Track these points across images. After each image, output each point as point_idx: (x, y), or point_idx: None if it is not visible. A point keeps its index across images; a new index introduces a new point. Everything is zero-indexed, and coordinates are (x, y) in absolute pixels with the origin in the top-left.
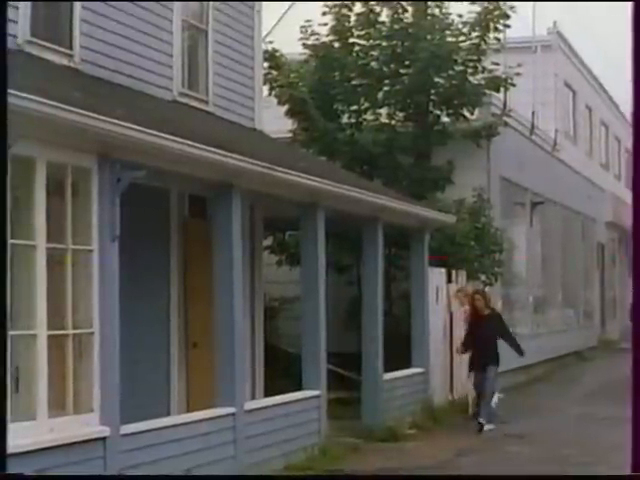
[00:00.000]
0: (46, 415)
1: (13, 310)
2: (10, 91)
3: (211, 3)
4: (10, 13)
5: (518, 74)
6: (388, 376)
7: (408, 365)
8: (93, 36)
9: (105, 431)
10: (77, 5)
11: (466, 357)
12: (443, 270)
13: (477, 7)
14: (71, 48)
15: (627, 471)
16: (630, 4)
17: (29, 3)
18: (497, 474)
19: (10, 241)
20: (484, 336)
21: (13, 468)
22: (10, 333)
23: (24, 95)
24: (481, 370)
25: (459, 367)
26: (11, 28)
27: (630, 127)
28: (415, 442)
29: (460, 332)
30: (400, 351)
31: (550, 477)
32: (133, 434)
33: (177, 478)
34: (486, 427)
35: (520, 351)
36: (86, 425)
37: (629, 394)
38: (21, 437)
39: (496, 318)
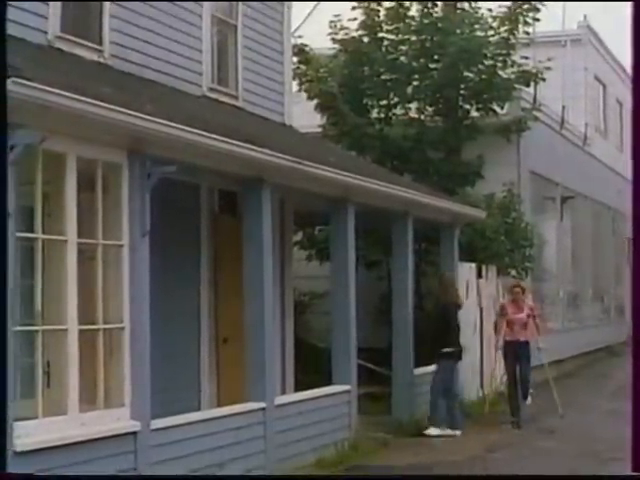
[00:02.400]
0: (77, 410)
1: (44, 305)
2: (41, 87)
3: None
4: (40, 9)
5: (548, 68)
6: (418, 371)
7: None
8: (123, 32)
9: (136, 426)
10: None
11: (500, 355)
12: (473, 265)
13: (507, 1)
14: (101, 44)
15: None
16: (630, 4)
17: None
18: (499, 474)
19: (41, 236)
20: (435, 324)
21: (45, 462)
22: (41, 328)
23: (55, 91)
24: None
25: (489, 363)
26: (41, 24)
27: None
28: (445, 437)
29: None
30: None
31: (550, 477)
32: (164, 429)
33: (193, 478)
34: (431, 431)
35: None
36: (117, 420)
37: None
38: (52, 432)
39: (448, 308)
